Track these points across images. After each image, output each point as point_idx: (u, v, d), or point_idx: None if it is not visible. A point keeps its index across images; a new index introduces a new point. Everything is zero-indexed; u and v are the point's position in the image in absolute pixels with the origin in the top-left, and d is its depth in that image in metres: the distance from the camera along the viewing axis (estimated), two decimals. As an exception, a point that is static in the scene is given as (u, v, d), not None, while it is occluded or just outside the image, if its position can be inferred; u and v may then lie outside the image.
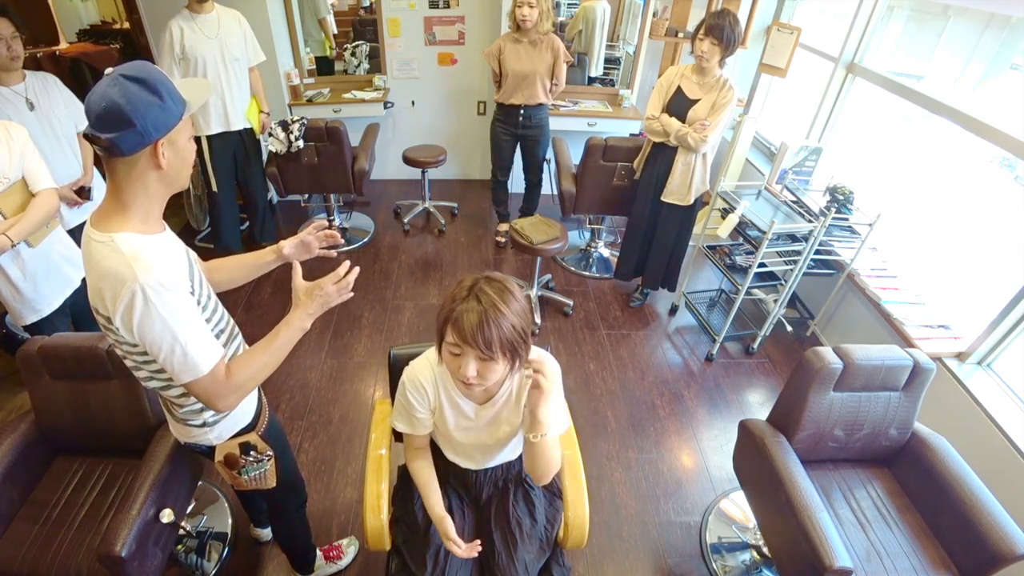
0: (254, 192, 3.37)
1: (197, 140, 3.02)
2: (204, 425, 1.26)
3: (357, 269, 1.25)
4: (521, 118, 3.32)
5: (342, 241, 1.33)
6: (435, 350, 1.33)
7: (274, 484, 1.43)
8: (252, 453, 1.34)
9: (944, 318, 2.39)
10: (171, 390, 1.17)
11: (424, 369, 1.33)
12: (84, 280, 2.17)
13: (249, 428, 1.35)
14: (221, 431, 1.29)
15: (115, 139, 0.92)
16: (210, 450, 1.32)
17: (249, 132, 3.16)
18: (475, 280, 1.13)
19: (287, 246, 1.34)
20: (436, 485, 1.43)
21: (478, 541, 1.28)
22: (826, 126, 3.25)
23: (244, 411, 1.33)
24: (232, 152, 3.15)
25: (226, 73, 2.91)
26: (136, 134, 0.93)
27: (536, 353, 1.33)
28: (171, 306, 0.99)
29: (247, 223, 3.64)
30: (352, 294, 1.23)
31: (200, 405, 1.21)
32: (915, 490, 1.74)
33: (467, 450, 1.45)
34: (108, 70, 0.93)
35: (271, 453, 1.38)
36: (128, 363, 1.13)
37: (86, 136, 0.94)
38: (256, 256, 1.36)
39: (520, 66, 3.14)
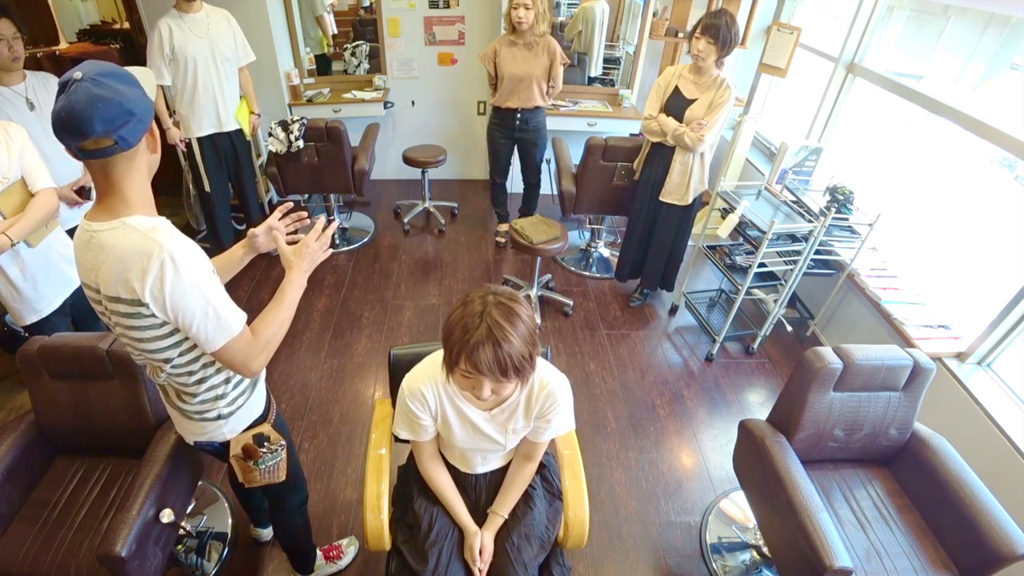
0: (248, 193, 3.36)
1: (188, 142, 3.02)
2: (219, 418, 1.26)
3: (335, 224, 1.34)
4: (518, 122, 3.30)
5: (308, 221, 1.39)
6: (436, 357, 1.33)
7: (284, 477, 1.43)
8: (266, 444, 1.34)
9: (944, 318, 2.39)
10: (190, 377, 1.17)
11: (423, 378, 1.33)
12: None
13: (261, 419, 1.35)
14: (235, 424, 1.29)
15: (124, 133, 0.95)
16: (222, 446, 1.32)
17: (239, 133, 3.14)
18: (484, 304, 1.13)
19: (258, 235, 1.34)
20: (461, 499, 1.46)
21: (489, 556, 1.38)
22: (826, 126, 3.25)
23: (256, 402, 1.33)
24: (224, 153, 3.12)
25: (217, 73, 2.88)
26: (138, 122, 0.96)
27: (548, 373, 1.33)
28: (198, 269, 1.03)
29: (244, 224, 3.64)
30: (331, 251, 1.31)
31: (215, 394, 1.22)
32: (915, 490, 1.74)
33: (470, 455, 1.45)
34: (76, 74, 0.91)
35: (284, 443, 1.39)
36: (148, 354, 1.10)
37: (83, 148, 0.93)
38: (228, 255, 1.36)
39: (516, 69, 3.12)
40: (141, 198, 1.04)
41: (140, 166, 1.03)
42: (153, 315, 1.02)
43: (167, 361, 1.12)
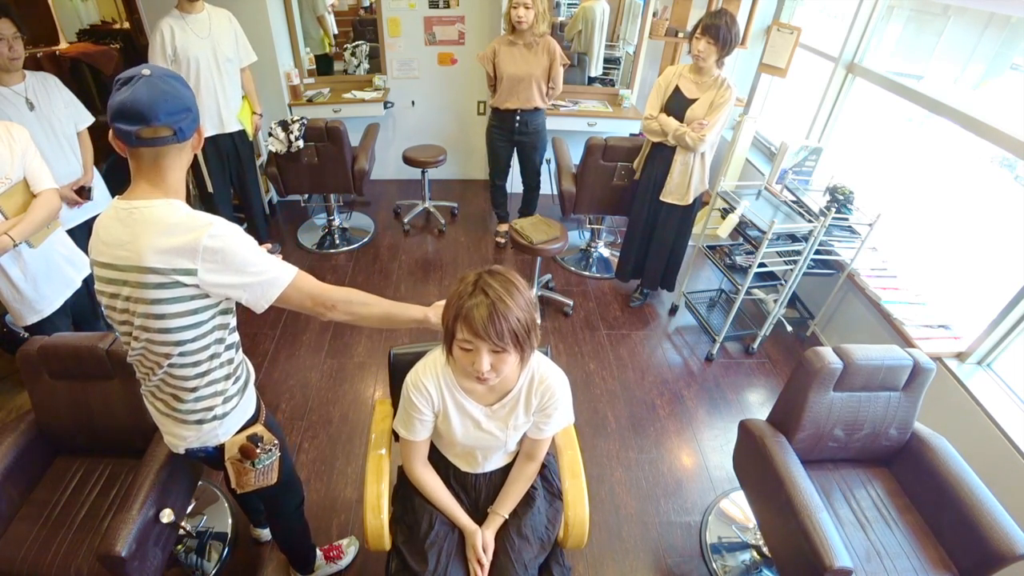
0: (250, 194, 3.36)
1: None
2: (215, 419, 1.26)
3: None
4: (517, 123, 3.28)
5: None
6: (439, 351, 1.34)
7: (276, 479, 1.43)
8: (260, 444, 1.34)
9: (944, 318, 2.39)
10: (195, 368, 1.17)
11: (427, 372, 1.33)
12: (85, 281, 2.17)
13: (254, 420, 1.36)
14: (229, 425, 1.30)
15: (183, 125, 1.04)
16: (216, 451, 1.32)
17: (242, 134, 3.13)
18: (479, 275, 1.17)
19: None
20: (454, 500, 1.46)
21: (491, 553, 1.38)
22: (826, 126, 3.25)
23: (248, 402, 1.34)
24: (225, 155, 3.12)
25: (219, 75, 2.87)
26: (193, 118, 1.07)
27: (546, 367, 1.34)
28: (246, 236, 1.11)
29: (244, 225, 3.64)
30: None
31: (214, 389, 1.23)
32: (915, 490, 1.74)
33: (470, 452, 1.45)
34: (144, 71, 1.01)
35: (277, 442, 1.39)
36: (163, 335, 1.10)
37: (141, 136, 1.00)
38: None
39: (515, 69, 3.10)
40: (181, 187, 1.12)
41: (183, 159, 1.10)
42: (189, 287, 1.05)
43: (179, 344, 1.12)
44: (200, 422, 1.25)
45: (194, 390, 1.21)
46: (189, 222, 1.05)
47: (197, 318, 1.11)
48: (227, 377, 1.24)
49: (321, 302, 1.20)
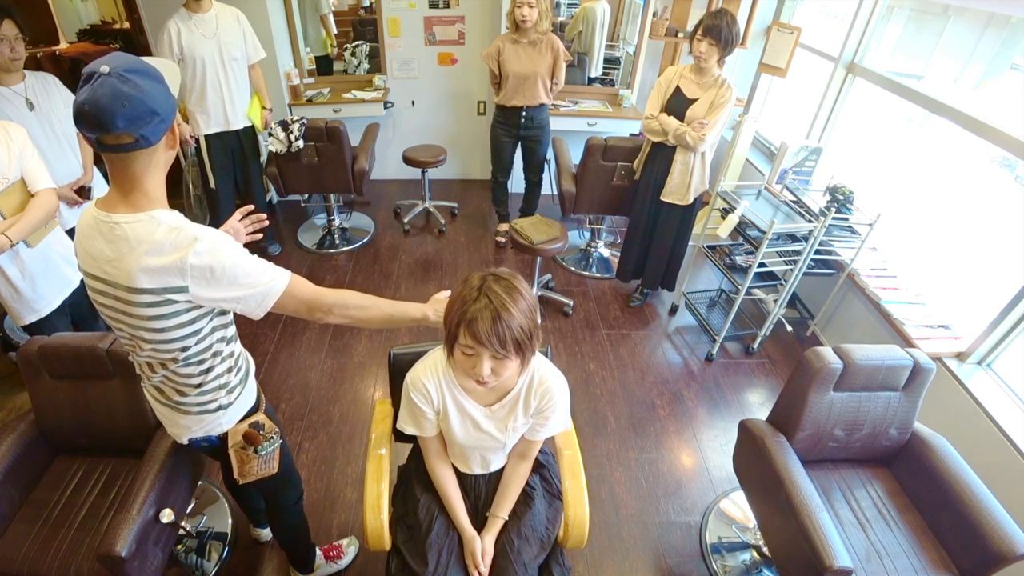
0: (253, 192, 3.37)
1: (195, 140, 3.03)
2: (219, 409, 1.27)
3: None
4: (523, 120, 3.30)
5: (267, 223, 1.45)
6: (439, 351, 1.34)
7: (277, 468, 1.43)
8: (262, 432, 1.35)
9: (944, 318, 2.39)
10: (200, 366, 1.17)
11: (427, 371, 1.33)
12: (83, 281, 2.17)
13: (255, 410, 1.37)
14: (232, 415, 1.30)
15: (146, 132, 0.95)
16: (219, 439, 1.33)
17: (248, 132, 3.14)
18: (483, 279, 1.15)
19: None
20: (462, 501, 1.45)
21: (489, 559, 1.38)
22: (826, 126, 3.25)
23: (250, 392, 1.35)
24: (230, 152, 3.14)
25: (225, 73, 2.89)
26: (160, 121, 0.97)
27: (547, 370, 1.33)
28: (234, 247, 1.07)
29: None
30: None
31: (219, 383, 1.23)
32: (915, 490, 1.74)
33: (470, 454, 1.45)
34: (103, 68, 0.90)
35: (278, 430, 1.39)
36: (164, 344, 1.10)
37: (103, 142, 0.94)
38: None
39: (520, 67, 3.12)
40: (160, 193, 1.06)
41: (158, 163, 1.03)
42: (182, 302, 1.04)
43: (184, 350, 1.12)
44: (203, 412, 1.26)
45: (199, 386, 1.21)
46: (174, 240, 1.00)
47: (196, 326, 1.10)
48: (229, 370, 1.25)
49: (317, 307, 1.17)
